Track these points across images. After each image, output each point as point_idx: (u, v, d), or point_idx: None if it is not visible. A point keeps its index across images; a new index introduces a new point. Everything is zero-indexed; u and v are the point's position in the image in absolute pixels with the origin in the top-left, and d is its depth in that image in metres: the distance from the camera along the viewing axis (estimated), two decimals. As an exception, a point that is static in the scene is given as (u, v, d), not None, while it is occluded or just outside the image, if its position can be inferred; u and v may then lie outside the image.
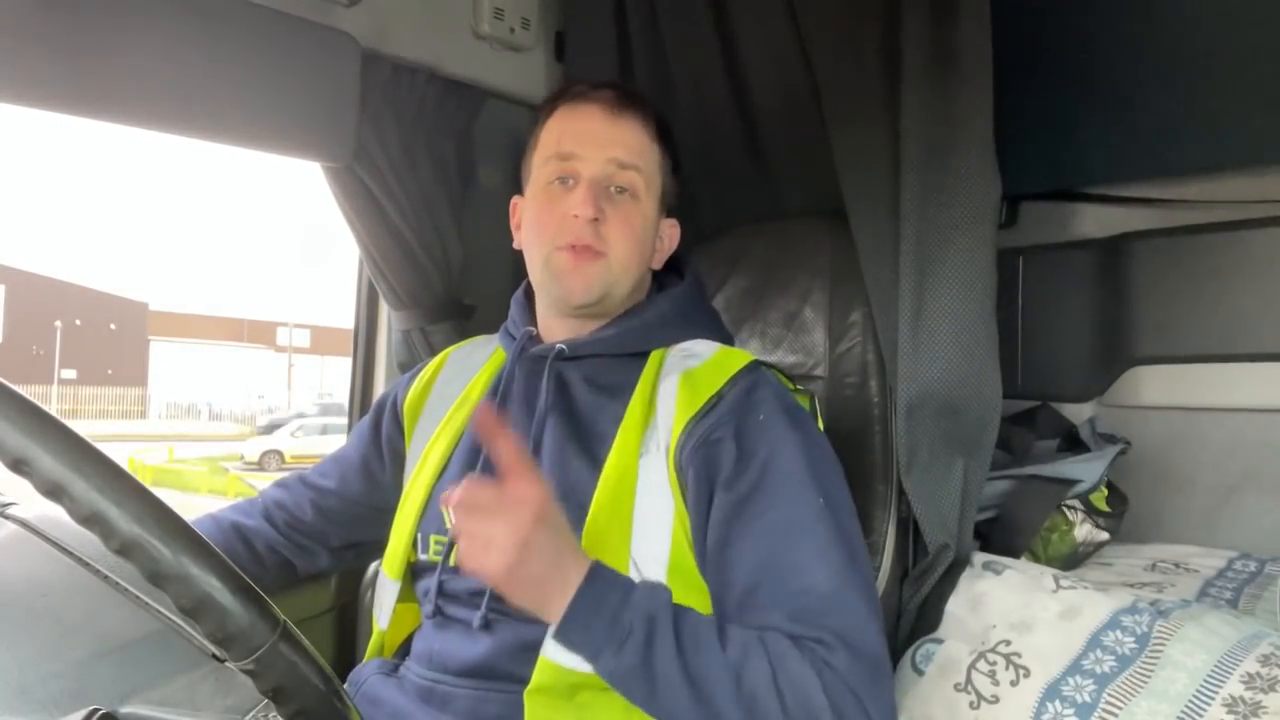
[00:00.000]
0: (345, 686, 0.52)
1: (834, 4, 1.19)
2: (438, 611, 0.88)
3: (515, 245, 0.99)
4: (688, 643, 0.71)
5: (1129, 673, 0.90)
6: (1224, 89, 1.29)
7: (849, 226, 1.17)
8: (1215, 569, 1.22)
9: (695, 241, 1.34)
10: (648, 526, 0.81)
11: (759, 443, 0.81)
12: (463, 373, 1.02)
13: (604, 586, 0.72)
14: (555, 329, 0.95)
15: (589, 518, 0.80)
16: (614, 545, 0.79)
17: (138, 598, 0.59)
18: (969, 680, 0.98)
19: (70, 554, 0.63)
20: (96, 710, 0.51)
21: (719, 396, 0.84)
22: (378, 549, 1.00)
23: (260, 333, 36.96)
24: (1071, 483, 1.27)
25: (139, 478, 0.48)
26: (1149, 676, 0.89)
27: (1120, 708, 0.87)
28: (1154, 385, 1.41)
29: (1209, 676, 0.87)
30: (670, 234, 1.00)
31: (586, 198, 0.88)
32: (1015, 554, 1.22)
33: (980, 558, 1.12)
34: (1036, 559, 1.27)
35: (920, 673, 1.04)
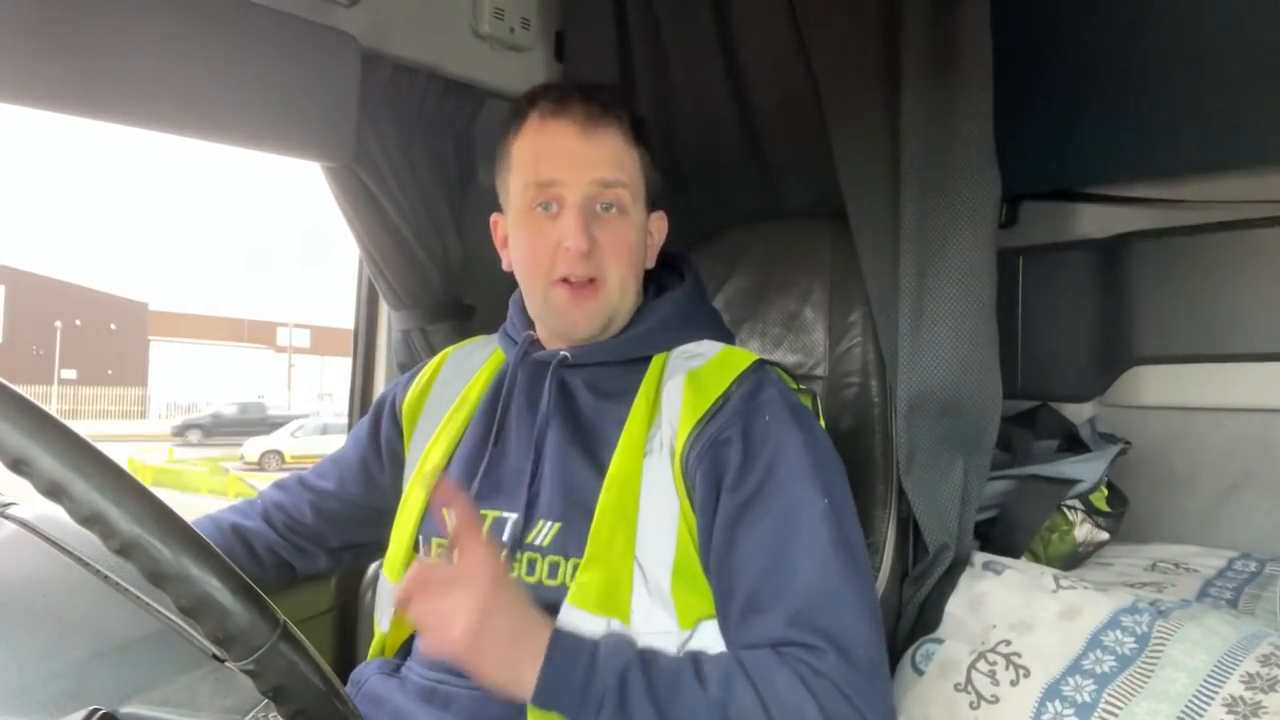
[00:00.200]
0: (346, 686, 0.52)
1: (834, 4, 1.19)
2: None
3: (505, 266, 0.97)
4: (663, 692, 0.70)
5: (1129, 673, 0.90)
6: (1224, 89, 1.29)
7: (849, 226, 1.17)
8: (1215, 569, 1.22)
9: (695, 241, 1.34)
10: (652, 528, 0.80)
11: (764, 444, 0.81)
12: (461, 374, 1.02)
13: (568, 654, 0.71)
14: (555, 334, 0.95)
15: (594, 522, 0.80)
16: (619, 548, 0.79)
17: (138, 598, 0.60)
18: (969, 680, 0.98)
19: (70, 554, 0.63)
20: (96, 710, 0.51)
21: (725, 397, 0.84)
22: (377, 550, 1.00)
23: (260, 333, 36.94)
24: (1071, 483, 1.27)
25: (139, 478, 0.48)
26: (1149, 676, 0.89)
27: (1120, 708, 0.87)
28: (1154, 385, 1.42)
29: (1209, 676, 0.87)
30: (659, 228, 0.98)
31: (578, 228, 0.85)
32: (1015, 554, 1.22)
33: (980, 558, 1.12)
34: (1036, 559, 1.27)
35: (920, 673, 1.04)
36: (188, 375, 31.19)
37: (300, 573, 1.07)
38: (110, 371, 29.23)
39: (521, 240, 0.91)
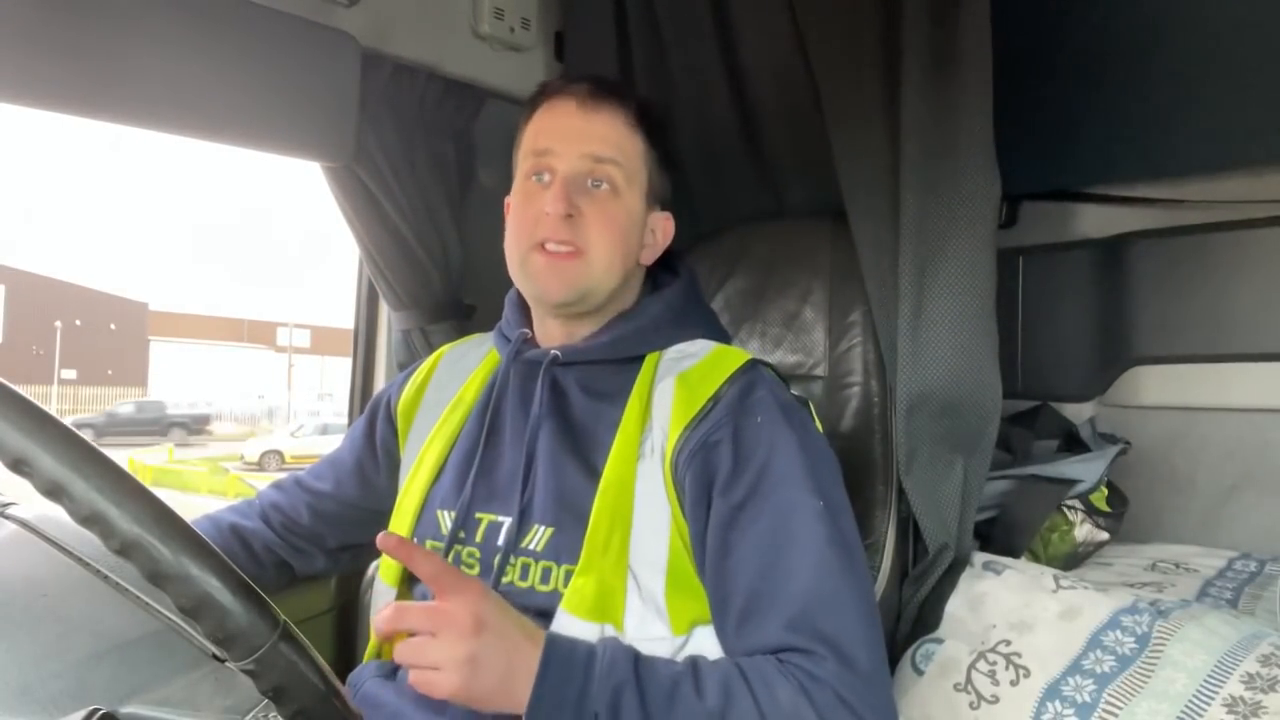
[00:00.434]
0: (344, 687, 0.52)
1: (834, 4, 1.19)
2: None
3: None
4: (660, 705, 0.69)
5: (1129, 673, 0.90)
6: (1224, 89, 1.29)
7: (849, 226, 1.17)
8: (1215, 569, 1.22)
9: (695, 241, 1.34)
10: (646, 534, 0.80)
11: (757, 446, 0.80)
12: (456, 374, 1.01)
13: (561, 673, 0.70)
14: (550, 331, 0.94)
15: (589, 528, 0.80)
16: (613, 554, 0.79)
17: (138, 598, 0.59)
18: (969, 680, 0.98)
19: (70, 554, 0.63)
20: (96, 710, 0.51)
21: (716, 398, 0.83)
22: (377, 550, 0.99)
23: (260, 333, 36.96)
24: (1071, 483, 1.27)
25: (139, 478, 0.48)
26: (1149, 676, 0.89)
27: (1120, 708, 0.87)
28: (1154, 385, 1.42)
29: (1209, 676, 0.87)
30: (663, 228, 0.96)
31: (559, 194, 0.86)
32: (1015, 554, 1.22)
33: (980, 558, 1.12)
34: (1036, 559, 1.27)
35: (920, 673, 1.04)
36: (187, 375, 31.20)
37: (299, 573, 1.07)
38: (110, 371, 29.24)
39: (514, 209, 0.92)
